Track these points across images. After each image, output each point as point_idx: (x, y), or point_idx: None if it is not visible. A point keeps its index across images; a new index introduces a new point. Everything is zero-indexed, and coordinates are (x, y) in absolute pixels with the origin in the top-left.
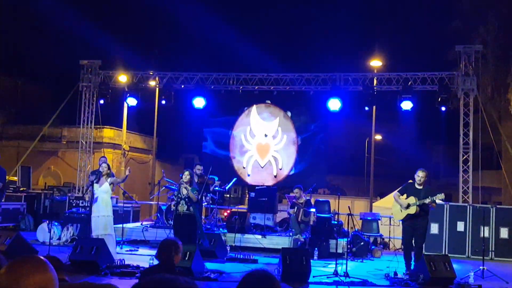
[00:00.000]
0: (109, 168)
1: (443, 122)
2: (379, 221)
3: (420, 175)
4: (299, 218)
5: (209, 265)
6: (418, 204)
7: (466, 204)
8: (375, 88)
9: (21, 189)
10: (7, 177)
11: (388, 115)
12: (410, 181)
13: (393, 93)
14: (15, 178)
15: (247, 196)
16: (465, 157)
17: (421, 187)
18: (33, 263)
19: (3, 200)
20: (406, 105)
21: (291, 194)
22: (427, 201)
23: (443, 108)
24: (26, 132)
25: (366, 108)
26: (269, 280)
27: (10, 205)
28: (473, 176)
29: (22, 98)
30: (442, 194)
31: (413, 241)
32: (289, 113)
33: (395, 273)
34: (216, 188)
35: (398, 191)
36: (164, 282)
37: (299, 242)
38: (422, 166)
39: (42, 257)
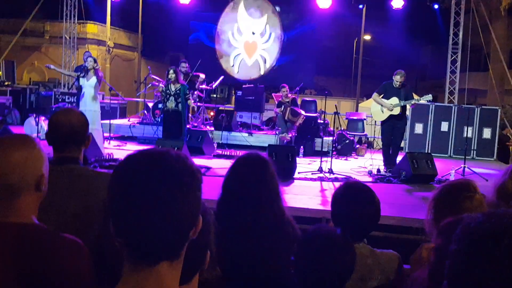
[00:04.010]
0: (95, 62)
1: (433, 22)
2: (365, 121)
3: (397, 79)
4: (285, 117)
5: (197, 161)
6: (402, 105)
7: (451, 105)
8: None
9: (6, 83)
10: None
11: (378, 14)
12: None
13: None
14: None
15: (234, 95)
16: (453, 57)
17: (400, 88)
18: (19, 139)
19: None
20: (397, 3)
21: (278, 93)
22: (413, 101)
23: (436, 6)
24: (7, 26)
25: (361, 6)
26: (262, 160)
27: None
28: (460, 77)
29: None
30: (430, 95)
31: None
32: (278, 8)
33: (378, 170)
34: (203, 87)
35: (376, 92)
36: (155, 153)
37: (285, 140)
38: (410, 67)
39: (30, 135)
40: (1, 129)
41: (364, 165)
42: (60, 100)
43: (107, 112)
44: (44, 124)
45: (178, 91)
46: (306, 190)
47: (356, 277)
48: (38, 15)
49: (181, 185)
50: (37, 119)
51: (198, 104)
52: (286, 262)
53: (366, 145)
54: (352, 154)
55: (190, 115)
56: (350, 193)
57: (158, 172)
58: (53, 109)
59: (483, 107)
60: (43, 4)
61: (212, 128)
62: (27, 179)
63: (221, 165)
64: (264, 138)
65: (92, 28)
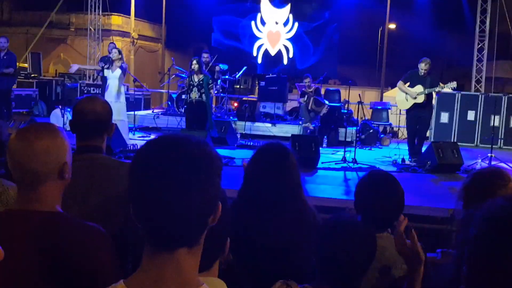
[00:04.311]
0: (120, 53)
1: (459, 10)
2: (389, 110)
3: (422, 67)
4: (309, 107)
5: (220, 152)
6: (426, 93)
7: (478, 93)
8: None
9: (32, 75)
10: (17, 63)
11: (403, 2)
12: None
13: None
14: (26, 65)
15: (257, 86)
16: (480, 45)
17: (425, 76)
18: (43, 128)
19: (15, 86)
20: None
21: (301, 83)
22: (437, 89)
23: None
24: (34, 18)
25: None
26: (284, 149)
27: (22, 91)
28: (487, 66)
29: None
30: (454, 82)
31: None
32: None
33: (403, 160)
34: (226, 77)
35: (402, 80)
36: (175, 139)
37: (308, 130)
38: (436, 56)
39: (53, 124)
40: (28, 121)
41: (389, 155)
42: (85, 91)
43: (131, 103)
44: (70, 115)
45: (201, 82)
46: (330, 180)
47: (380, 266)
48: (63, 7)
49: (200, 171)
50: (63, 111)
51: (221, 94)
52: (307, 251)
53: (390, 134)
54: (377, 144)
55: (214, 106)
56: (374, 182)
57: (177, 157)
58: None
59: (510, 95)
60: None
61: (236, 119)
62: (50, 167)
63: (244, 156)
64: (288, 128)
65: (116, 20)
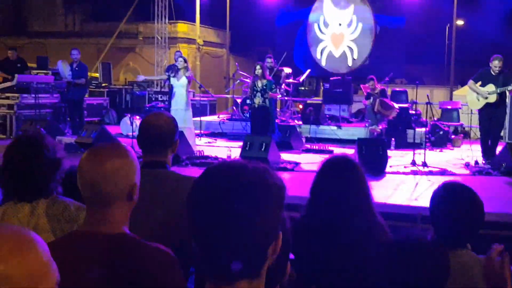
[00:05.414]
0: (185, 62)
1: None
2: (460, 110)
3: (495, 65)
4: (375, 109)
5: (285, 156)
6: (499, 92)
7: None
8: None
9: (103, 84)
10: (89, 73)
11: None
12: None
13: None
14: (97, 75)
15: (322, 87)
16: None
17: (498, 74)
18: (114, 149)
19: (87, 96)
20: None
21: (366, 85)
22: (510, 88)
23: None
24: (104, 29)
25: None
26: (350, 163)
27: (94, 100)
28: None
29: None
30: None
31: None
32: None
33: (476, 162)
34: (290, 80)
35: (472, 79)
36: (233, 168)
37: (375, 133)
38: (507, 52)
39: (123, 144)
40: (99, 129)
41: (461, 157)
42: (153, 99)
43: (197, 109)
44: (138, 123)
45: (264, 87)
46: (399, 185)
47: (456, 286)
48: (131, 17)
49: (258, 202)
50: (131, 119)
51: (286, 98)
52: (377, 268)
53: (462, 135)
54: (447, 145)
55: (278, 110)
56: (450, 196)
57: (235, 188)
58: (147, 108)
59: None
60: (136, 6)
61: (300, 122)
62: (119, 189)
63: (310, 160)
64: (353, 131)
65: (182, 28)
